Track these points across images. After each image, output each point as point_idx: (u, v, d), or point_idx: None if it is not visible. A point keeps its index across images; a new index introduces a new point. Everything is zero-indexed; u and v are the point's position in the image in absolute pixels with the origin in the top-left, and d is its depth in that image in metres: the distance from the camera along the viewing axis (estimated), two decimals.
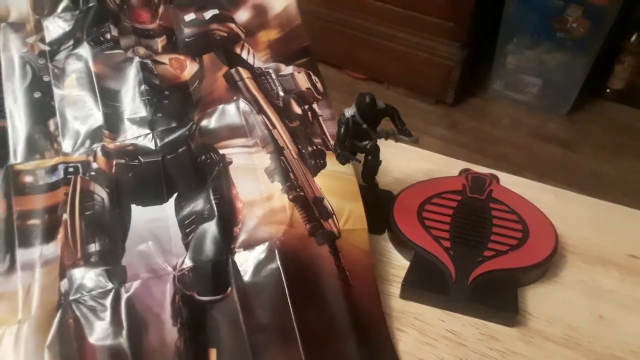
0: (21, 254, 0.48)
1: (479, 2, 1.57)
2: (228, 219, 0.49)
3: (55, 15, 0.59)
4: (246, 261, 0.47)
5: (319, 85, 0.57)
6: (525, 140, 1.69)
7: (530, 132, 1.72)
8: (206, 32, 0.60)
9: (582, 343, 0.51)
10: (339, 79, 1.97)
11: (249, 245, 0.48)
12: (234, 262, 0.47)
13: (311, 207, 0.50)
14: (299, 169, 0.52)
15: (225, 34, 0.60)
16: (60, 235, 0.48)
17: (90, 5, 0.59)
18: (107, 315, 0.45)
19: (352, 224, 0.51)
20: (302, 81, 0.57)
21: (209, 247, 0.48)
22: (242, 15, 0.61)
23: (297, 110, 0.56)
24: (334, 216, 0.50)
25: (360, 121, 0.50)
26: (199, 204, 0.50)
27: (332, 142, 0.54)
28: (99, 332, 0.44)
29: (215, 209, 0.49)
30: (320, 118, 0.56)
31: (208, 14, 0.60)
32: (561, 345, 0.51)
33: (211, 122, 0.55)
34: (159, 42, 0.59)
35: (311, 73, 0.58)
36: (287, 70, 0.58)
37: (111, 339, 0.44)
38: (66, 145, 0.54)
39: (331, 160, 0.53)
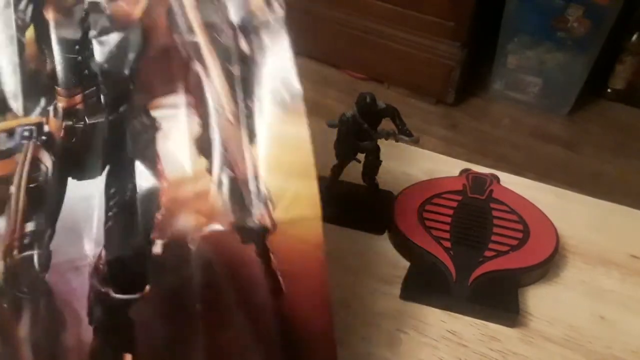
0: None
1: (480, 1, 1.57)
2: (150, 202, 0.40)
3: None
4: (164, 257, 0.39)
5: (276, 3, 0.44)
6: (525, 140, 1.69)
7: (530, 132, 1.71)
8: None
9: (583, 343, 0.51)
10: (339, 78, 1.96)
11: (168, 237, 0.39)
12: (153, 256, 0.39)
13: (239, 192, 0.40)
14: (232, 138, 0.41)
15: None
16: (8, 210, 0.43)
17: None
18: (31, 305, 0.41)
19: (295, 211, 0.39)
20: (256, 1, 0.44)
21: (126, 237, 0.40)
22: None
23: (244, 45, 0.43)
24: (268, 202, 0.39)
25: (360, 121, 0.50)
26: (124, 182, 0.42)
27: (283, 92, 0.42)
28: (23, 323, 0.41)
29: (137, 189, 0.41)
30: (268, 54, 0.43)
31: None
32: (562, 345, 0.51)
33: (149, 73, 0.45)
34: None
35: None
36: None
37: (31, 332, 0.41)
38: (25, 105, 0.46)
39: (281, 119, 0.41)
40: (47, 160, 0.44)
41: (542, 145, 1.67)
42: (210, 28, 0.43)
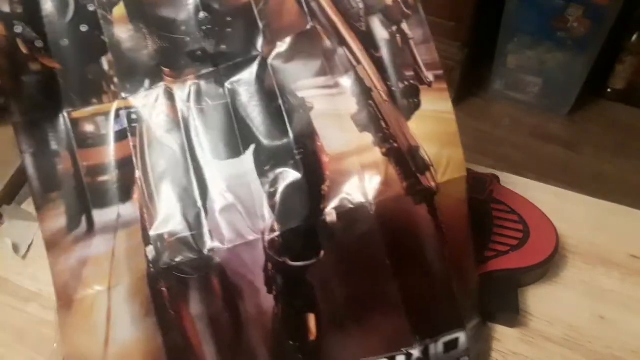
0: (98, 215, 0.44)
1: (480, 2, 1.57)
2: (315, 176, 0.44)
3: None
4: (338, 223, 0.43)
5: None
6: (526, 140, 1.69)
7: (531, 132, 1.71)
8: None
9: (583, 343, 0.51)
10: None
11: (340, 206, 0.43)
12: (325, 224, 0.43)
13: (407, 160, 0.44)
14: (390, 114, 0.45)
15: None
16: (137, 195, 0.44)
17: None
18: (200, 284, 0.43)
19: (450, 173, 0.45)
20: None
21: (297, 209, 0.43)
22: None
23: (384, 33, 0.46)
24: (431, 168, 0.44)
25: None
26: (281, 159, 0.44)
27: (426, 74, 0.46)
28: (194, 301, 0.43)
29: (300, 164, 0.44)
30: (411, 42, 0.46)
31: None
32: (562, 345, 0.51)
33: (284, 57, 0.46)
34: None
35: None
36: None
37: (208, 308, 0.43)
38: (124, 86, 0.47)
39: (427, 97, 0.45)
40: (169, 142, 0.45)
41: (542, 145, 1.67)
42: (346, 15, 0.46)
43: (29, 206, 0.66)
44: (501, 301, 0.51)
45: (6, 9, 0.47)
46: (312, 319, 0.43)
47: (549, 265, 0.54)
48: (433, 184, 0.44)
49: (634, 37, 1.64)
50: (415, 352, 0.44)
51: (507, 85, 1.78)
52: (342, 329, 0.44)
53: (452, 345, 0.45)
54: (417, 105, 0.45)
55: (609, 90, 1.77)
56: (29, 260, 0.62)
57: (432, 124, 0.45)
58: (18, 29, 0.46)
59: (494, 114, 1.78)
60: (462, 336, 0.45)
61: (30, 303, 0.59)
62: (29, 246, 0.63)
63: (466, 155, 0.46)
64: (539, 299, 0.54)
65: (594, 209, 0.62)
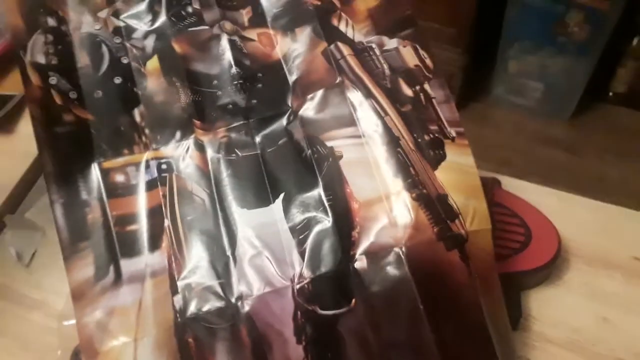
0: (125, 265, 0.43)
1: (480, 8, 1.57)
2: (344, 222, 0.44)
3: None
4: (369, 269, 0.43)
5: (428, 61, 0.49)
6: (527, 145, 1.69)
7: (532, 137, 1.71)
8: (297, 1, 0.52)
9: (587, 346, 0.51)
10: None
11: (370, 252, 0.43)
12: (355, 271, 0.43)
13: (436, 207, 0.45)
14: (418, 162, 0.46)
15: (319, 3, 0.51)
16: (165, 243, 0.44)
17: None
18: (227, 333, 0.42)
19: (477, 224, 0.45)
20: (410, 57, 0.49)
21: (327, 256, 0.43)
22: None
23: (408, 92, 0.48)
24: (459, 216, 0.45)
25: None
26: (310, 207, 0.44)
27: (449, 129, 0.48)
28: (221, 352, 0.42)
29: (329, 211, 0.44)
30: (433, 101, 0.48)
31: None
32: (565, 348, 0.51)
33: (313, 110, 0.48)
34: (244, 15, 0.51)
35: (418, 47, 0.50)
36: (391, 44, 0.50)
37: (235, 359, 0.42)
38: (155, 138, 0.47)
39: (451, 151, 0.47)
40: (198, 192, 0.45)
41: (544, 150, 1.67)
42: (371, 74, 0.49)
43: (32, 215, 0.66)
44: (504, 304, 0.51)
45: (42, 60, 0.48)
46: None
47: (551, 268, 0.55)
48: (463, 231, 0.44)
49: (635, 42, 1.65)
50: None
51: (509, 91, 1.78)
52: None
53: None
54: (442, 157, 0.46)
55: (610, 94, 1.77)
56: (33, 269, 0.62)
57: (457, 175, 0.46)
58: (53, 80, 0.47)
59: (496, 119, 1.78)
60: None
61: (34, 311, 0.59)
62: (33, 255, 0.63)
63: None
64: (541, 302, 0.54)
65: (596, 212, 0.62)
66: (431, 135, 0.47)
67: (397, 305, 0.43)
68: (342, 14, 0.51)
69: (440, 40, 1.65)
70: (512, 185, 0.62)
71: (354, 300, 0.42)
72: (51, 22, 0.49)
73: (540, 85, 1.72)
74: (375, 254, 0.43)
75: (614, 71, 1.72)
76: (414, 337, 0.43)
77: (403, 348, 0.43)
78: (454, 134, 0.47)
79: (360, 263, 0.43)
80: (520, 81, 1.74)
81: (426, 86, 0.49)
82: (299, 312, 0.42)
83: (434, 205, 0.45)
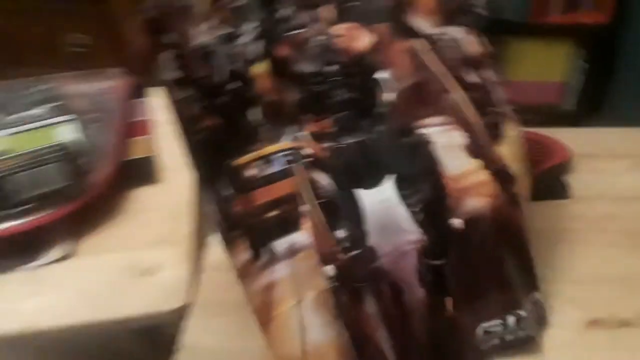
0: (275, 246, 0.52)
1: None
2: (442, 194, 0.52)
3: None
4: (464, 229, 0.52)
5: (487, 46, 0.55)
6: None
7: None
8: None
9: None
10: None
11: (465, 215, 0.52)
12: (457, 231, 0.53)
13: (504, 176, 0.53)
14: (488, 142, 0.54)
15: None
16: (307, 224, 0.52)
17: None
18: (371, 288, 0.52)
19: (525, 186, 0.55)
20: (474, 44, 0.55)
21: (435, 222, 0.53)
22: None
23: (475, 79, 0.54)
24: (517, 182, 0.54)
25: None
26: (415, 183, 0.52)
27: (506, 109, 0.55)
28: (369, 303, 0.51)
29: (429, 186, 0.52)
30: (495, 84, 0.55)
31: None
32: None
33: (403, 101, 0.54)
34: (327, 11, 0.56)
35: (478, 33, 0.55)
36: (456, 33, 0.55)
37: (379, 306, 0.52)
38: (275, 133, 0.54)
39: (508, 127, 0.55)
40: (322, 178, 0.53)
41: None
42: (445, 64, 0.55)
43: None
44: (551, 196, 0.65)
45: (173, 76, 0.54)
46: (449, 302, 0.54)
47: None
48: (523, 194, 0.54)
49: None
50: (522, 313, 0.56)
51: None
52: (471, 304, 0.55)
53: (540, 304, 0.58)
54: (502, 133, 0.57)
55: None
56: None
57: (513, 147, 0.55)
58: (185, 93, 0.54)
59: None
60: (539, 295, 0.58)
61: None
62: None
63: None
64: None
65: None
66: (495, 116, 0.54)
67: (483, 252, 0.54)
68: (413, 7, 0.56)
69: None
70: None
71: (454, 252, 0.53)
72: (172, 38, 0.56)
73: None
74: (469, 218, 0.53)
75: None
76: (495, 272, 0.55)
77: (488, 279, 0.55)
78: (510, 113, 0.55)
79: (458, 224, 0.52)
80: None
81: (488, 71, 0.54)
82: (421, 265, 0.53)
83: (503, 175, 0.53)
